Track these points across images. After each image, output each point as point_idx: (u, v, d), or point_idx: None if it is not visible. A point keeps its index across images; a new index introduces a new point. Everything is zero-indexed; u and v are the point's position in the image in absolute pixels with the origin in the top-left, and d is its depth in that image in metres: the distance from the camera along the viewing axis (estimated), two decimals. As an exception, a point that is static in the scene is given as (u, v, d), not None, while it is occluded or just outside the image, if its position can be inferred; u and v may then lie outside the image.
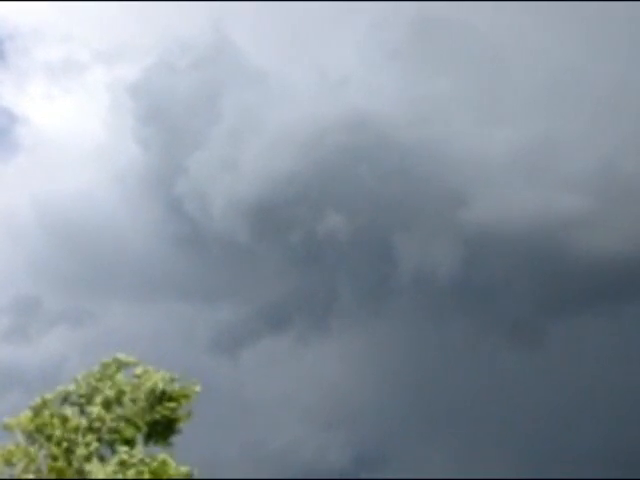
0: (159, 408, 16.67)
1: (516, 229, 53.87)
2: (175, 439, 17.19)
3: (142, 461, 15.83)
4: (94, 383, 16.48)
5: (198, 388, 16.87)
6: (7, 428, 16.28)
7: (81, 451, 15.52)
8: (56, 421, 15.95)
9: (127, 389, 16.58)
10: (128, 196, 59.61)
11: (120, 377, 16.68)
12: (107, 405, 16.17)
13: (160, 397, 16.72)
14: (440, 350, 56.25)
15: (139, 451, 16.10)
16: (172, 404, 16.71)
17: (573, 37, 56.74)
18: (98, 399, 16.19)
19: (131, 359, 16.88)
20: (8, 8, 64.02)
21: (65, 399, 16.48)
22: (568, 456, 50.26)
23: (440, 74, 56.89)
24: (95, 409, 15.89)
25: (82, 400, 16.45)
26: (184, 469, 16.04)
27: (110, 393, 16.33)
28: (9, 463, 15.75)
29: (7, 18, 66.18)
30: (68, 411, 16.16)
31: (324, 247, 56.70)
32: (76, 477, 15.16)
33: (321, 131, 55.57)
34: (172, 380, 16.84)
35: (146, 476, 15.67)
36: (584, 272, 54.21)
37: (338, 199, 56.16)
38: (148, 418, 16.51)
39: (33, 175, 63.13)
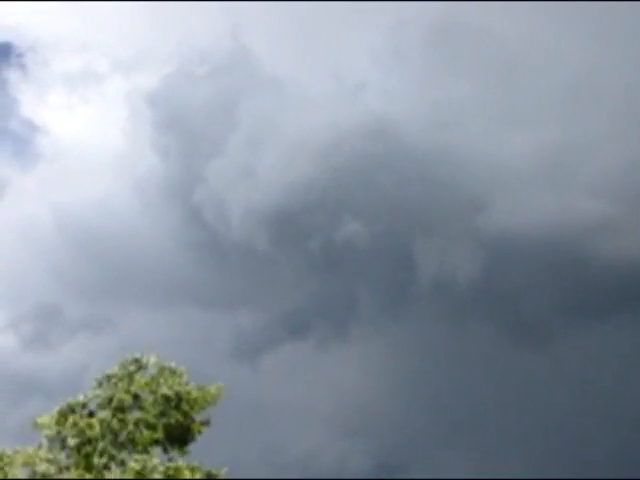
0: (174, 412, 16.46)
1: (536, 234, 53.89)
2: (194, 445, 16.98)
3: (155, 469, 15.70)
4: (112, 389, 16.30)
5: (216, 389, 16.70)
6: (37, 427, 16.20)
7: (98, 459, 15.50)
8: (74, 430, 15.90)
9: (144, 391, 16.40)
10: (147, 204, 60.54)
11: (139, 378, 16.50)
12: (122, 410, 16.07)
13: (177, 401, 16.50)
14: (460, 356, 56.31)
15: (154, 457, 15.98)
16: (187, 408, 16.48)
17: (592, 40, 56.54)
18: (113, 403, 16.07)
19: (151, 358, 16.71)
20: (29, 20, 65.26)
21: (85, 406, 16.42)
22: (588, 458, 50.12)
23: (458, 78, 57.02)
24: (108, 416, 15.81)
25: (101, 406, 16.37)
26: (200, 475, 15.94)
27: (126, 397, 16.19)
28: (30, 466, 15.74)
29: (28, 30, 67.37)
30: (84, 420, 16.07)
31: (343, 254, 56.91)
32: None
33: (338, 137, 55.79)
34: (187, 384, 16.62)
35: (162, 480, 15.76)
36: (604, 277, 54.15)
37: (356, 205, 56.44)
38: (164, 422, 16.32)
39: (53, 184, 64.29)
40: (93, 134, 63.36)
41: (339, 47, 59.38)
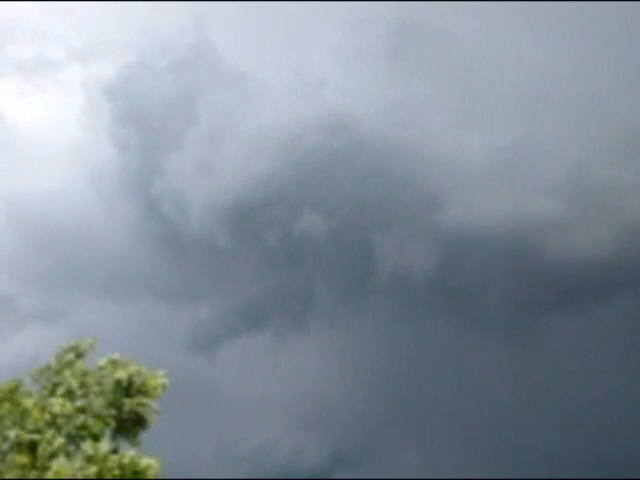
0: (127, 401, 16.13)
1: (491, 232, 54.66)
2: (147, 437, 16.70)
3: (108, 457, 15.45)
4: (53, 377, 15.90)
5: (165, 379, 16.36)
6: None
7: (44, 448, 15.15)
8: (15, 414, 15.48)
9: (91, 380, 16.06)
10: (104, 196, 59.71)
11: (80, 365, 16.16)
12: (70, 397, 15.76)
13: (127, 389, 16.16)
14: (417, 350, 57.08)
15: (105, 446, 15.69)
16: (140, 398, 16.14)
17: (550, 42, 57.38)
18: (60, 390, 15.80)
19: (88, 342, 16.31)
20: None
21: (17, 389, 16.05)
22: (541, 455, 50.98)
23: (418, 77, 57.51)
24: (57, 402, 15.42)
25: (44, 392, 16.04)
26: (155, 464, 15.64)
27: (73, 382, 15.89)
28: None
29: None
30: (28, 402, 15.69)
31: (302, 247, 57.06)
32: (40, 474, 14.80)
33: (298, 133, 55.80)
34: (138, 372, 16.26)
35: (116, 472, 15.34)
36: (556, 274, 55.32)
37: (315, 200, 56.51)
38: (115, 412, 15.98)
39: (5, 173, 63.13)
40: (47, 123, 62.28)
41: (301, 43, 59.86)
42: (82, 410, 15.64)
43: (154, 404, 16.38)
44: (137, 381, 16.23)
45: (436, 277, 55.77)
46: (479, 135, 56.38)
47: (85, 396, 15.81)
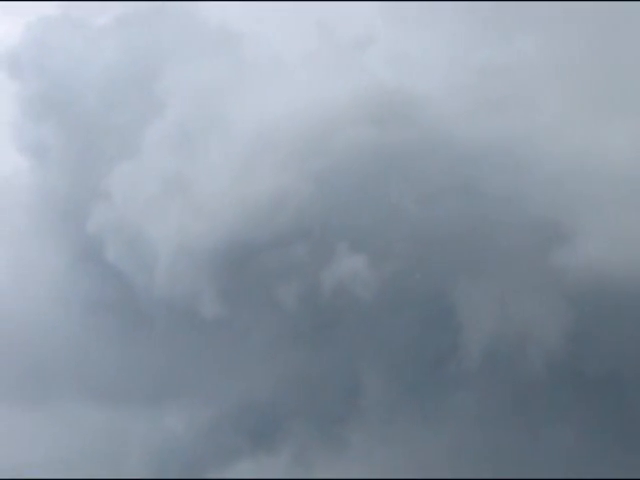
0: None
1: None
2: None
3: None
4: None
5: None
6: None
7: None
8: None
9: None
10: (8, 235, 47.39)
11: None
12: None
13: None
14: (528, 474, 41.28)
15: None
16: None
17: None
18: None
19: None
20: None
21: None
22: None
23: (520, 32, 42.84)
24: None
25: None
26: None
27: None
28: None
29: None
30: None
31: (337, 311, 43.39)
32: None
33: (327, 126, 42.70)
34: None
35: None
36: None
37: (357, 233, 42.73)
38: None
39: None
40: None
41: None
42: None
43: None
44: None
45: (563, 357, 41.09)
46: (625, 125, 41.31)
47: None
